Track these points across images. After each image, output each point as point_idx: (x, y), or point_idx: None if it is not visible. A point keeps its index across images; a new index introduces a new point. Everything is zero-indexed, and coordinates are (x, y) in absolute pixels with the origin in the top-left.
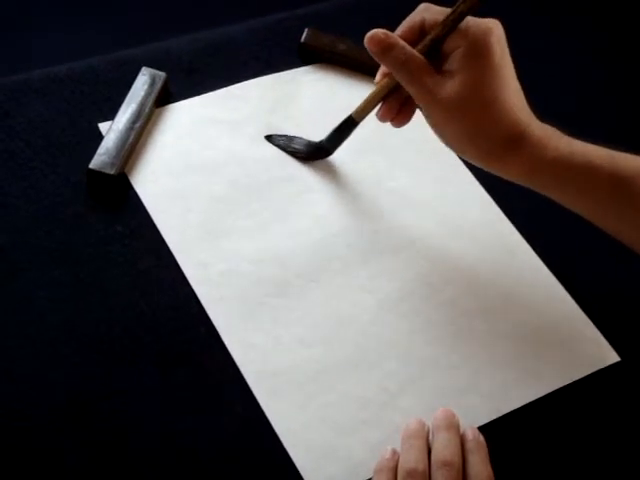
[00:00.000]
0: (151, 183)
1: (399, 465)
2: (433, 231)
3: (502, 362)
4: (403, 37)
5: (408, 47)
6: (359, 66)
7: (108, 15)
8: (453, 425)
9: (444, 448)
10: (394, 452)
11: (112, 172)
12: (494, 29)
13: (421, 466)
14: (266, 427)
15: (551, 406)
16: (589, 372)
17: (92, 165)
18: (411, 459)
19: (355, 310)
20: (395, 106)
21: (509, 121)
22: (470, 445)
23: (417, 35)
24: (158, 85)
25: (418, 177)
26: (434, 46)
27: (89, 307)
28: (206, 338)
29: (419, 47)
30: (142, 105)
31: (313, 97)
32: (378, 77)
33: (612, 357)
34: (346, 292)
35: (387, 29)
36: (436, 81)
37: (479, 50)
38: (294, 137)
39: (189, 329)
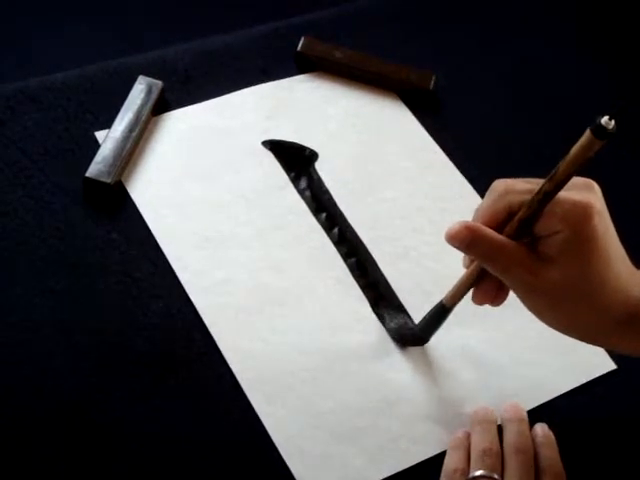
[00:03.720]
0: (148, 191)
1: (472, 445)
2: (429, 240)
3: (498, 371)
4: (487, 224)
5: (496, 237)
6: (355, 74)
7: (107, 22)
8: (524, 418)
9: (518, 436)
10: (467, 433)
11: (109, 180)
12: (594, 205)
13: (495, 447)
14: (262, 434)
15: (547, 414)
16: (585, 380)
17: (89, 173)
18: (486, 439)
19: (352, 318)
20: (491, 290)
21: (620, 302)
22: (541, 440)
23: (503, 220)
24: (155, 94)
25: (414, 186)
26: (523, 227)
27: (85, 315)
28: (202, 346)
29: (507, 230)
30: (139, 113)
31: (310, 105)
32: (466, 261)
33: (608, 365)
34: (343, 300)
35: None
36: (533, 270)
37: (582, 237)
38: (401, 314)
39: (185, 337)
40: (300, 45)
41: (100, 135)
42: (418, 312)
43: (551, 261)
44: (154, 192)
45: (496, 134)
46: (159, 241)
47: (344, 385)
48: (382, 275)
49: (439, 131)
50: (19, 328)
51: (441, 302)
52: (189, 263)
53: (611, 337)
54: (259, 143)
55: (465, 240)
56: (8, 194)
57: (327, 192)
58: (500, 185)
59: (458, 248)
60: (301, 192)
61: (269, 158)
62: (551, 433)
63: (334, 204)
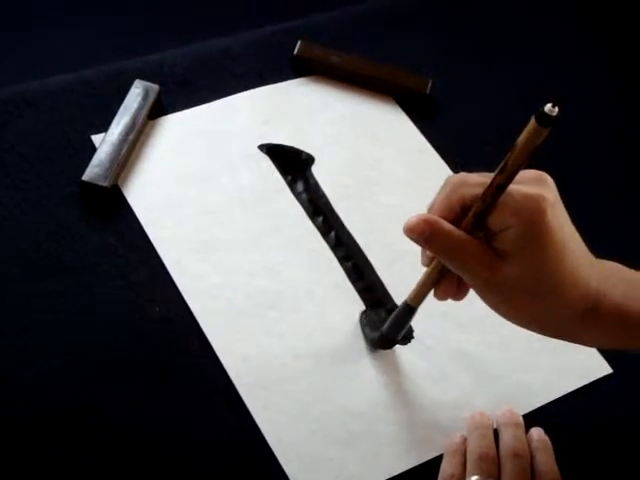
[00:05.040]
0: (144, 195)
1: (468, 450)
2: None
3: (494, 375)
4: (442, 216)
5: (455, 232)
6: (352, 78)
7: (106, 26)
8: (520, 423)
9: (514, 441)
10: (464, 438)
11: (105, 184)
12: (546, 198)
13: (492, 452)
14: (259, 439)
15: (543, 418)
16: (581, 384)
17: (85, 177)
18: (482, 445)
19: (348, 322)
20: (452, 285)
21: (580, 296)
22: (537, 444)
23: (458, 213)
24: (151, 97)
25: (411, 190)
26: (478, 221)
27: (81, 319)
28: (199, 350)
29: (463, 225)
30: (135, 117)
31: (306, 109)
32: (425, 260)
33: (604, 369)
34: (339, 304)
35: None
36: (491, 266)
37: (535, 232)
38: (376, 323)
39: (182, 341)
40: (297, 49)
41: (97, 139)
42: (415, 315)
43: (507, 257)
44: (150, 196)
45: (493, 138)
46: (155, 245)
47: (340, 389)
48: (378, 279)
49: (436, 135)
50: (15, 332)
51: (405, 302)
52: (186, 267)
53: (575, 331)
54: (256, 147)
55: (424, 233)
56: (5, 197)
57: (324, 196)
58: (453, 179)
59: (416, 241)
60: (298, 196)
61: (266, 162)
62: (547, 438)
63: (331, 208)
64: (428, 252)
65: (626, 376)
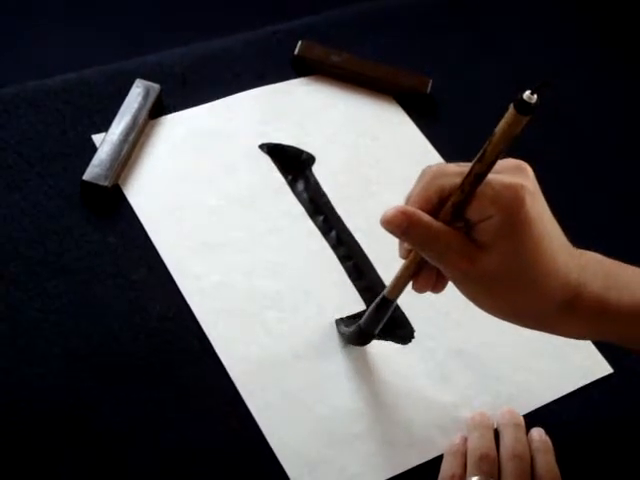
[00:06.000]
0: (145, 195)
1: (469, 450)
2: None
3: (494, 376)
4: (420, 207)
5: (433, 223)
6: (352, 78)
7: (106, 26)
8: (520, 424)
9: (514, 442)
10: (464, 438)
11: (106, 184)
12: (525, 187)
13: (492, 453)
14: (260, 440)
15: (544, 418)
16: (581, 384)
17: (86, 177)
18: (483, 445)
19: None
20: (430, 277)
21: (559, 286)
22: (537, 445)
23: (436, 204)
24: (152, 97)
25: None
26: (456, 211)
27: (81, 318)
28: (199, 350)
29: (442, 216)
30: (136, 117)
31: (307, 109)
32: (403, 252)
33: (605, 369)
34: (340, 303)
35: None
36: (470, 257)
37: (515, 221)
38: (352, 320)
39: (182, 341)
40: (297, 49)
41: (97, 138)
42: (414, 315)
43: (486, 248)
44: (151, 195)
45: None
46: (156, 244)
47: (341, 389)
48: (379, 278)
49: (436, 134)
50: (16, 332)
51: (383, 295)
52: (186, 266)
53: (554, 322)
54: (256, 146)
55: (401, 225)
56: (5, 197)
57: (324, 195)
58: (431, 169)
59: (393, 233)
60: (298, 195)
61: (266, 161)
62: (547, 438)
63: (331, 207)
64: (406, 244)
65: (626, 376)
